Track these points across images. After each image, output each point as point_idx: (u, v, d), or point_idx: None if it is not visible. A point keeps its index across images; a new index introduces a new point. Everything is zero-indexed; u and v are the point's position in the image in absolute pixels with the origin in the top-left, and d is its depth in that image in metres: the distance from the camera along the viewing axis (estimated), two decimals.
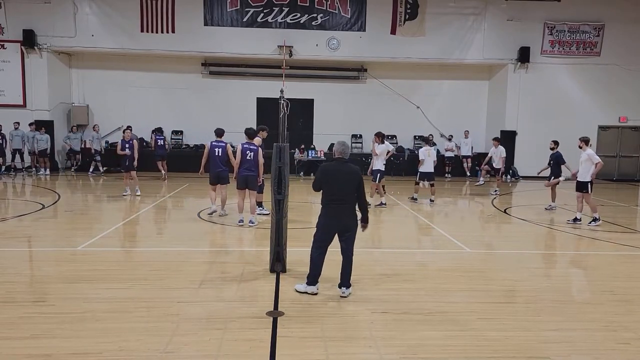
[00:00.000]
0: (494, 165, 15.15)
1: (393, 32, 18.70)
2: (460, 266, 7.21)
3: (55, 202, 12.02)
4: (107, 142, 19.08)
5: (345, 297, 5.62)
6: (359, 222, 5.69)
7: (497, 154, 15.00)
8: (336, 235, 5.65)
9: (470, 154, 19.52)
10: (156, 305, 5.24)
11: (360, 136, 19.44)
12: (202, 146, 16.24)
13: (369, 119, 19.77)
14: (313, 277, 5.69)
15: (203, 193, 10.88)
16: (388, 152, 12.18)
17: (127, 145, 12.70)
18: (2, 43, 17.86)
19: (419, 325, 4.93)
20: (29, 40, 17.59)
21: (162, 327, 4.68)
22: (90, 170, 17.62)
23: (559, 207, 12.25)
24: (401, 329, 4.81)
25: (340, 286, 5.69)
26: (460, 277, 6.62)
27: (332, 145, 18.54)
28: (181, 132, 19.59)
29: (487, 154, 16.21)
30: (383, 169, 11.84)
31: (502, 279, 6.68)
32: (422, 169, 12.70)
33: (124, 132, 13.33)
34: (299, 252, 7.57)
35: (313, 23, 18.52)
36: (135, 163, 12.76)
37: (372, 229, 6.08)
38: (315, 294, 5.66)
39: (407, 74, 19.87)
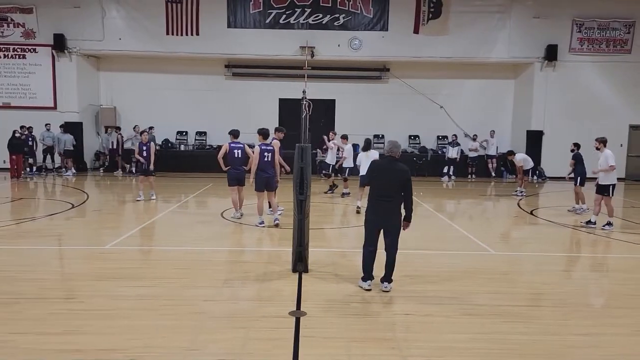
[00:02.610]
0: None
1: (416, 31, 18.56)
2: (485, 268, 7.12)
3: (84, 202, 12.31)
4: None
5: (387, 291, 5.76)
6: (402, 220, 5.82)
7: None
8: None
9: (495, 154, 19.25)
10: (181, 304, 5.32)
11: (382, 136, 19.35)
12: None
13: (391, 119, 19.67)
14: (364, 273, 5.88)
15: (226, 193, 10.97)
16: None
17: (144, 148, 12.18)
18: (34, 47, 18.37)
19: (443, 327, 4.89)
20: (59, 44, 18.05)
21: (186, 325, 4.75)
22: (133, 170, 17.93)
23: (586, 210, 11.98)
24: (425, 331, 4.78)
25: (382, 280, 5.85)
26: (484, 279, 6.54)
27: (354, 145, 18.52)
28: (205, 133, 19.84)
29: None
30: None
31: (528, 281, 6.58)
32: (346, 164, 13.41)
33: (141, 134, 12.82)
34: (321, 253, 7.60)
35: (335, 23, 18.53)
36: (152, 166, 12.18)
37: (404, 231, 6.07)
38: (367, 289, 5.75)
39: (430, 73, 19.70)
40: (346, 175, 13.49)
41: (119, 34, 18.29)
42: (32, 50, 18.40)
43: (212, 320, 4.90)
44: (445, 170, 18.92)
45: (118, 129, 18.85)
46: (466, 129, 19.95)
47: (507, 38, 18.60)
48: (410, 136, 20.00)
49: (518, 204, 13.11)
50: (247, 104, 19.64)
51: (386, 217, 5.72)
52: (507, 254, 8.15)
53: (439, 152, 19.69)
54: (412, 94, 19.82)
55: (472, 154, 19.07)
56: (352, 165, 13.17)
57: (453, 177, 18.75)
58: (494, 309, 5.41)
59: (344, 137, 13.62)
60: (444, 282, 6.33)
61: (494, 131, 19.19)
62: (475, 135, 19.23)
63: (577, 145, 12.14)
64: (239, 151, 10.06)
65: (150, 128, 17.32)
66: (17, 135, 16.56)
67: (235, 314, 5.07)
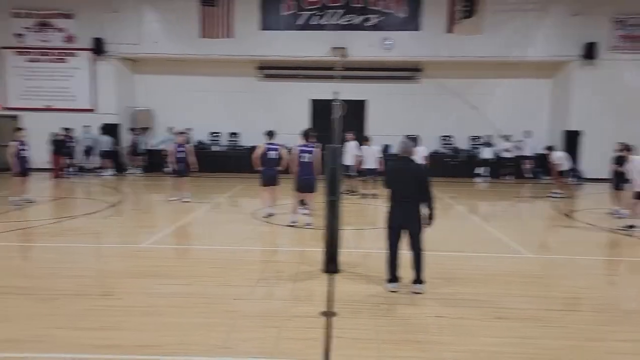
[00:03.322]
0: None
1: (450, 30, 18.32)
2: (519, 271, 6.97)
3: (121, 201, 12.65)
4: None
5: (420, 293, 5.71)
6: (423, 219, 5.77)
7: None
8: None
9: (530, 154, 18.80)
10: (214, 302, 5.41)
11: (415, 137, 19.14)
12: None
13: (424, 119, 19.45)
14: (389, 275, 5.86)
15: (257, 193, 11.09)
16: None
17: (181, 149, 12.35)
18: (74, 51, 18.99)
19: (475, 330, 4.82)
20: (98, 48, 18.61)
21: (220, 323, 4.83)
22: (169, 170, 18.28)
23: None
24: (457, 334, 4.72)
25: (414, 282, 5.82)
26: (518, 283, 6.40)
27: (385, 146, 18.42)
28: (237, 134, 20.09)
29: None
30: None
31: (564, 285, 6.40)
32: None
33: (178, 136, 12.97)
34: (351, 254, 7.60)
35: (367, 24, 18.47)
36: (191, 167, 12.32)
37: (428, 230, 6.00)
38: (393, 291, 5.73)
39: (463, 72, 19.41)
40: (366, 177, 13.38)
41: (155, 38, 18.72)
42: (72, 54, 19.03)
43: (245, 319, 4.97)
44: (478, 171, 18.60)
45: (133, 130, 19.04)
46: (500, 130, 19.55)
47: (543, 36, 18.14)
48: (442, 136, 19.75)
49: (554, 206, 12.77)
50: (278, 105, 19.79)
51: (407, 218, 5.71)
52: (542, 256, 7.96)
53: (472, 152, 19.37)
54: (445, 94, 19.55)
55: (506, 155, 18.68)
56: (373, 167, 13.13)
57: (487, 178, 18.42)
58: (527, 312, 5.30)
59: (366, 139, 13.50)
60: (476, 285, 6.23)
61: (529, 131, 18.75)
62: (510, 135, 18.83)
63: (626, 147, 11.50)
64: (274, 152, 10.12)
65: (188, 129, 17.61)
66: (58, 136, 17.15)
67: (267, 313, 5.12)
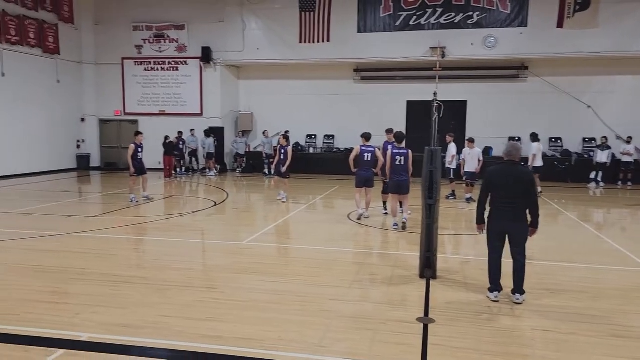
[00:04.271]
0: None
1: (560, 25, 17.11)
2: (639, 286, 6.31)
3: (224, 200, 13.37)
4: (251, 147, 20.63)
5: (519, 303, 5.43)
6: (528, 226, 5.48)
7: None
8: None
9: None
10: (310, 301, 5.52)
11: (519, 139, 18.13)
12: (352, 150, 16.58)
13: (529, 120, 18.33)
14: (491, 283, 5.63)
15: (352, 195, 11.15)
16: None
17: (282, 151, 12.64)
18: (185, 60, 20.46)
19: (587, 348, 4.43)
20: (206, 56, 19.88)
21: (316, 322, 4.91)
22: (265, 171, 19.16)
23: None
24: (566, 351, 4.37)
25: (513, 292, 5.54)
26: (638, 299, 5.79)
27: (487, 148, 17.64)
28: (332, 136, 20.36)
29: None
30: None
31: None
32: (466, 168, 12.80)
33: (280, 138, 13.26)
34: (450, 260, 7.36)
35: (468, 22, 17.83)
36: (284, 169, 12.53)
37: (536, 238, 5.65)
38: (495, 301, 5.51)
39: (575, 70, 18.02)
40: (467, 180, 12.85)
41: (257, 45, 19.58)
42: (183, 62, 20.51)
43: (340, 320, 5.00)
44: (592, 175, 17.12)
45: (209, 133, 19.76)
46: (618, 131, 17.87)
47: None
48: (551, 139, 18.47)
49: None
50: (374, 107, 19.75)
51: (511, 224, 5.42)
52: None
53: (585, 155, 17.89)
54: (554, 93, 18.31)
55: (625, 159, 17.01)
56: (473, 170, 12.60)
57: (601, 184, 16.91)
58: None
59: (471, 141, 12.99)
60: (589, 299, 5.73)
61: None
62: (630, 137, 17.12)
63: None
64: (369, 154, 10.16)
65: (287, 132, 18.19)
66: (168, 139, 18.55)
67: (362, 316, 5.11)
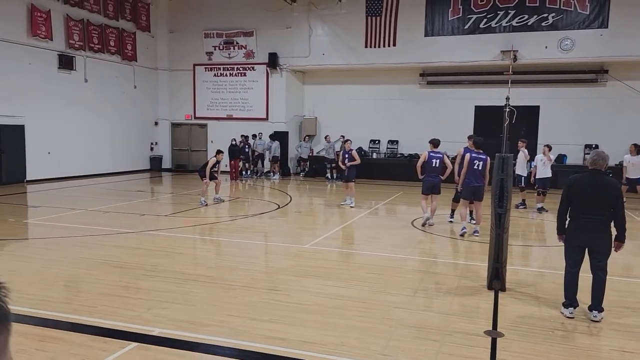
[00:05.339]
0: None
1: None
2: None
3: (287, 203, 13.55)
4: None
5: (597, 321, 5.08)
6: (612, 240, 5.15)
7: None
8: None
9: None
10: (373, 307, 5.45)
11: (596, 146, 17.07)
12: (416, 156, 16.30)
13: (609, 126, 17.24)
14: (567, 298, 5.31)
15: (416, 201, 10.94)
16: None
17: (346, 156, 12.65)
18: (252, 65, 21.00)
19: None
20: (272, 61, 20.31)
21: (379, 330, 4.84)
22: (327, 176, 19.27)
23: None
24: None
25: (590, 309, 5.19)
26: None
27: (560, 156, 16.76)
28: (396, 141, 20.11)
29: None
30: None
31: None
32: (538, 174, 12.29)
33: (344, 143, 13.36)
34: (520, 271, 7.04)
35: (543, 24, 17.05)
36: (346, 173, 12.50)
37: (617, 253, 5.28)
38: (570, 317, 5.19)
39: None
40: (540, 188, 12.28)
41: (323, 50, 19.75)
42: (251, 68, 21.05)
43: (403, 329, 4.90)
44: None
45: (254, 136, 19.99)
46: None
47: None
48: (635, 145, 17.22)
49: None
50: (440, 112, 19.32)
51: (593, 237, 5.08)
52: None
53: None
54: (638, 98, 17.11)
55: None
56: (544, 177, 12.09)
57: None
58: None
59: (549, 147, 12.43)
60: None
61: None
62: None
63: None
64: (437, 160, 9.99)
65: (342, 137, 18.16)
66: (235, 143, 19.07)
67: (426, 325, 4.98)
